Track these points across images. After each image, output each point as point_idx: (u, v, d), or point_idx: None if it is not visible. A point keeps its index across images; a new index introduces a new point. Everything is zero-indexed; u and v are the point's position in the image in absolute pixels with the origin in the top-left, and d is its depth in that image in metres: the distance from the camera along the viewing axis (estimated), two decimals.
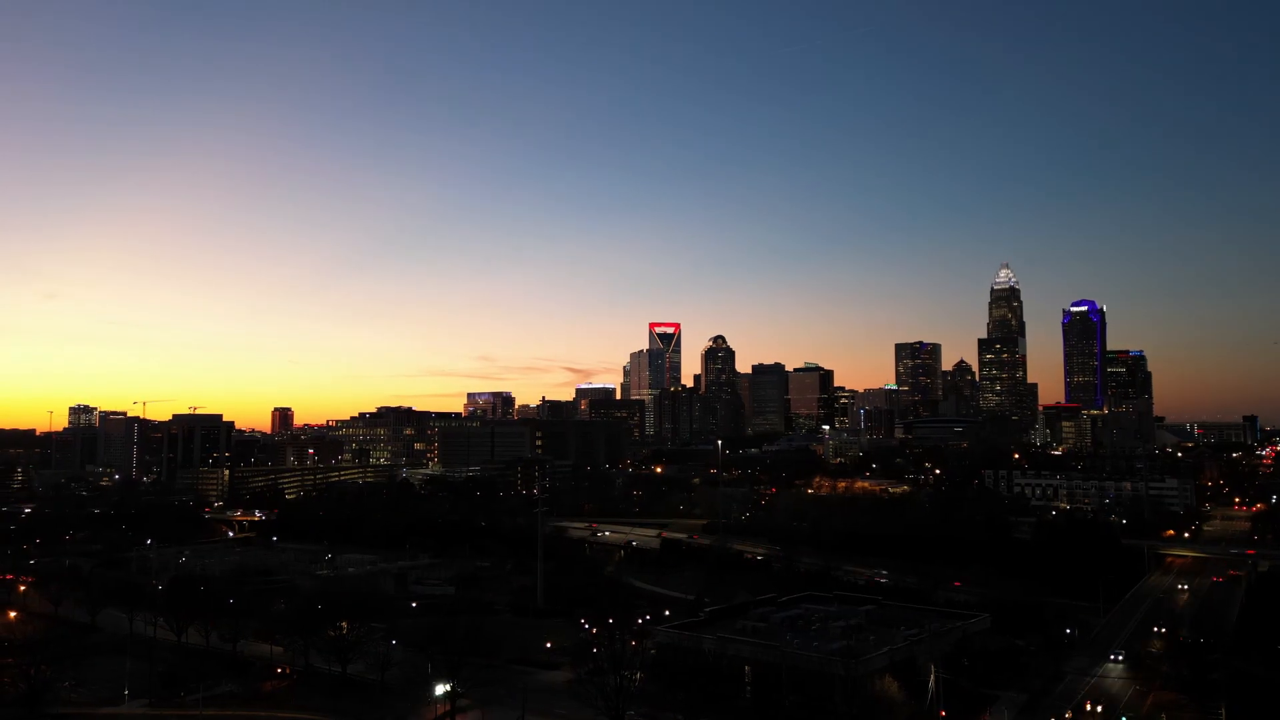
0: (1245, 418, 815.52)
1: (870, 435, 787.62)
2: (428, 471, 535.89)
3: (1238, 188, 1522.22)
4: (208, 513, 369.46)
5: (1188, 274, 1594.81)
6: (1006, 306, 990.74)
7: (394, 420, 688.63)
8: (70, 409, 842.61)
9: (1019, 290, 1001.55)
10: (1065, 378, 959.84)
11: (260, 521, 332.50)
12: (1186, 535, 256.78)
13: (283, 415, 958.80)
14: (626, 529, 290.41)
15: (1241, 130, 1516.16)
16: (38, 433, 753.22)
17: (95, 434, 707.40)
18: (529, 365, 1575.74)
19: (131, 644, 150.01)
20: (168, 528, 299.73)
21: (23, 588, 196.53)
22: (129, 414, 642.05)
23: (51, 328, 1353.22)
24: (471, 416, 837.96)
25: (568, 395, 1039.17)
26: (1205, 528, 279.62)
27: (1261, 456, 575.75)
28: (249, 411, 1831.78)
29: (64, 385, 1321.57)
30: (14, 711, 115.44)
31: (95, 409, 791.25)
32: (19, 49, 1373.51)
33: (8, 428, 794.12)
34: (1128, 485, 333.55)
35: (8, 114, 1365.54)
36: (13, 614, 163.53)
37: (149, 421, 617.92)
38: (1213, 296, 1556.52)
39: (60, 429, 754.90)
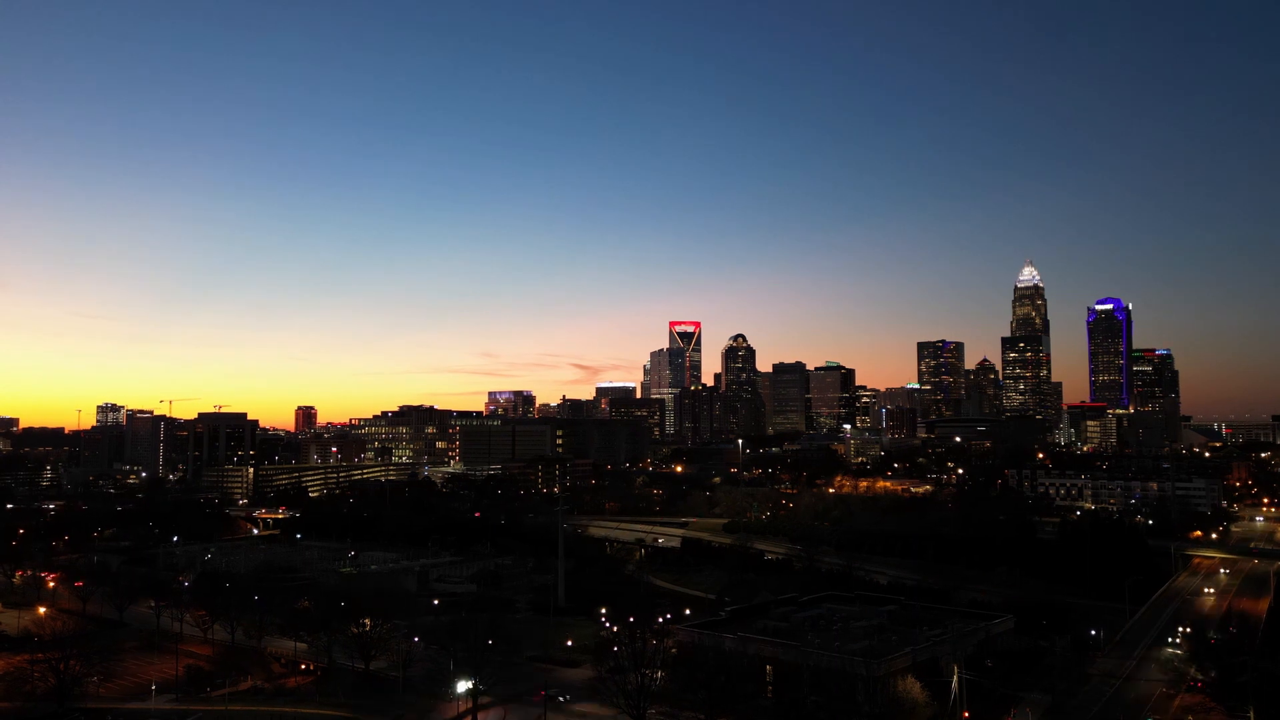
0: (1274, 417, 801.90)
1: (892, 435, 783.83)
2: (449, 470, 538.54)
3: (1266, 186, 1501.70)
4: (232, 511, 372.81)
5: (1215, 272, 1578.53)
6: (1030, 305, 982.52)
7: (416, 419, 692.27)
8: (98, 407, 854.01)
9: (1043, 288, 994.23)
10: (1090, 376, 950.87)
11: (284, 519, 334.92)
12: (1214, 536, 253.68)
13: (306, 414, 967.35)
14: (647, 528, 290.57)
15: (1269, 129, 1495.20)
16: (66, 431, 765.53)
17: (123, 432, 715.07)
18: (535, 361, 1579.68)
19: (158, 640, 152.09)
20: (193, 525, 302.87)
21: (52, 584, 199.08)
22: (155, 412, 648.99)
23: (79, 327, 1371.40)
24: (492, 415, 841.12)
25: (578, 392, 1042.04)
26: (1233, 528, 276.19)
27: None
28: (273, 410, 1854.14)
29: (92, 384, 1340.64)
30: (43, 706, 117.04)
31: (123, 407, 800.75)
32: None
33: (37, 426, 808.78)
34: (1154, 485, 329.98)
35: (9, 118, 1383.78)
36: (42, 610, 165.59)
37: (175, 420, 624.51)
38: (1241, 295, 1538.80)
39: (88, 427, 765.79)
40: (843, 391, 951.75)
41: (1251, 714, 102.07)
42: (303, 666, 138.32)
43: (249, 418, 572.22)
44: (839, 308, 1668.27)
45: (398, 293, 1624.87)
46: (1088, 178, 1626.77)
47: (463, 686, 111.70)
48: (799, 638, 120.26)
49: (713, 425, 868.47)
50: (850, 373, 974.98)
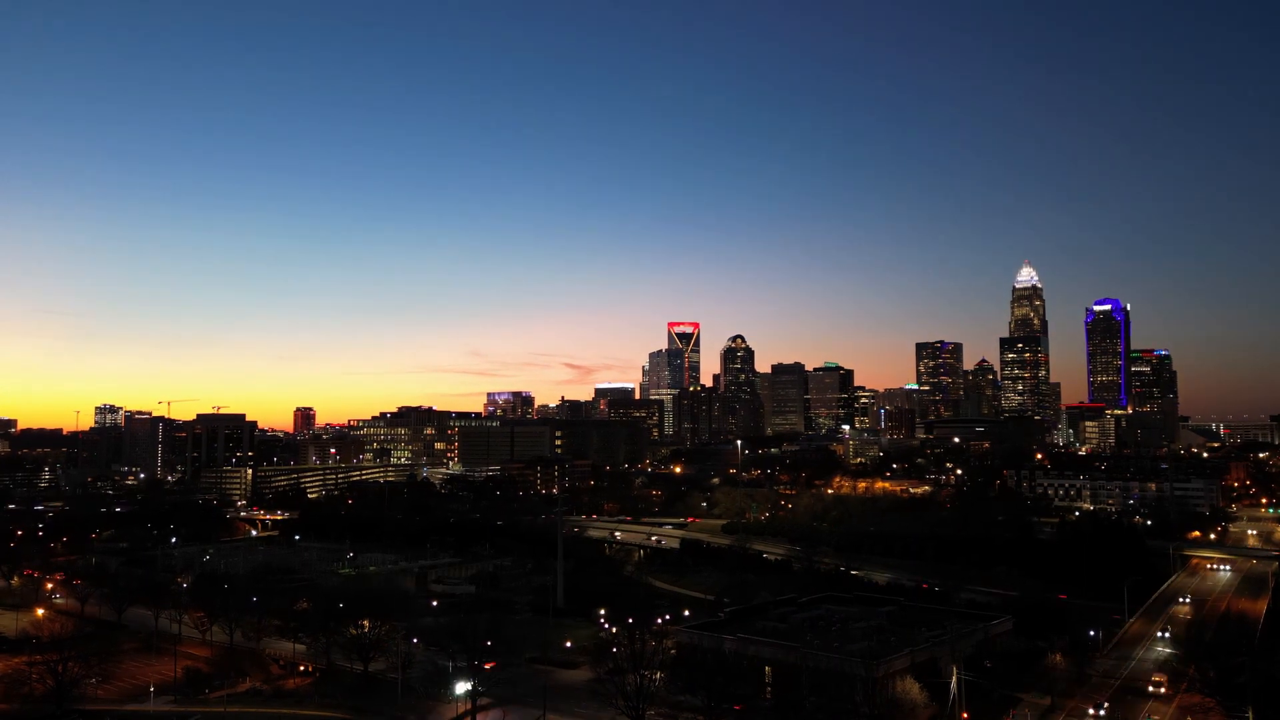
0: (1272, 417, 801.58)
1: (891, 435, 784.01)
2: (448, 471, 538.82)
3: (1265, 186, 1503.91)
4: (231, 512, 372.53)
5: (1213, 273, 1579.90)
6: (1029, 305, 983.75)
7: (415, 420, 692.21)
8: (96, 409, 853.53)
9: (1041, 289, 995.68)
10: (1089, 377, 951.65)
11: (283, 520, 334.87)
12: (1212, 536, 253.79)
13: (305, 415, 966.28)
14: (646, 529, 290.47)
15: (1268, 127, 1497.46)
16: (65, 432, 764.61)
17: (121, 433, 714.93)
18: (528, 361, 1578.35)
19: (157, 641, 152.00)
20: (192, 526, 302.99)
21: (50, 585, 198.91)
22: (154, 414, 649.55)
23: (77, 329, 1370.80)
24: (491, 416, 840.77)
25: (573, 392, 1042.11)
26: (1232, 529, 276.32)
27: None
28: (272, 411, 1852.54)
29: (90, 386, 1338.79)
30: (41, 708, 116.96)
31: (121, 409, 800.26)
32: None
33: (35, 427, 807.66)
34: (1152, 486, 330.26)
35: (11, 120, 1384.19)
36: (40, 611, 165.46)
37: (173, 421, 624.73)
38: (1239, 295, 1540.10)
39: (87, 428, 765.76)
40: (841, 392, 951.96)
41: (1250, 714, 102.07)
42: (301, 668, 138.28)
43: (247, 419, 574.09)
44: (838, 308, 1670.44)
45: (395, 293, 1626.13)
46: (1085, 178, 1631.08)
47: (462, 688, 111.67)
48: (798, 639, 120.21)
49: (711, 426, 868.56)
50: (849, 373, 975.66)
